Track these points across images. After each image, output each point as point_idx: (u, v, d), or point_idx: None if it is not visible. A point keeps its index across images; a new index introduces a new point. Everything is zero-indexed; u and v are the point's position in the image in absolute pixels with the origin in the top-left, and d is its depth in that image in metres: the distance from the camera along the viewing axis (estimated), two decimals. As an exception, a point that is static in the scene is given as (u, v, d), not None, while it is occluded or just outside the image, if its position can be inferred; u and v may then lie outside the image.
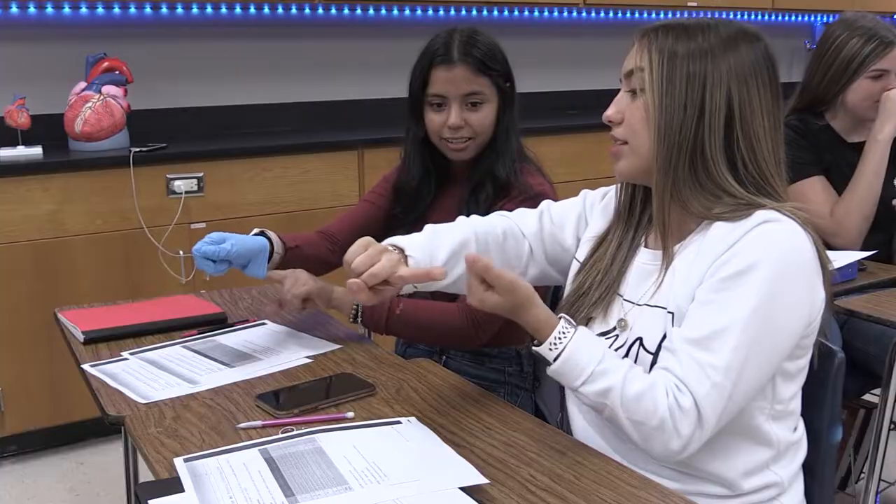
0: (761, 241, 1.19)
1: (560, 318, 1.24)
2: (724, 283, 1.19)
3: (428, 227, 1.42)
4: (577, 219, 1.50)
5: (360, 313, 1.70)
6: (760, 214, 1.21)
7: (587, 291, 1.38)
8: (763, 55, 1.27)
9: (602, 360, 1.21)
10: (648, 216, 1.36)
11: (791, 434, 1.30)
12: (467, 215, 1.51)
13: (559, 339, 1.22)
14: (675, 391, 1.17)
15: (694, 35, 1.25)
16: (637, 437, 1.19)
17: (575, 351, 1.21)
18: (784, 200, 1.26)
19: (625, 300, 1.34)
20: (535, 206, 1.59)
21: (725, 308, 1.18)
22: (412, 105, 1.85)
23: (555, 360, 1.21)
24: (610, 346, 1.31)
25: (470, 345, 1.77)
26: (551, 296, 1.90)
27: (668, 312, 1.25)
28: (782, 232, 1.20)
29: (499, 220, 1.50)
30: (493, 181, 1.81)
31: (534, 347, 1.24)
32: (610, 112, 1.30)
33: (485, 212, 1.71)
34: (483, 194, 1.80)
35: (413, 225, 1.50)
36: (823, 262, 1.24)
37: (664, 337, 1.25)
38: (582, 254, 1.45)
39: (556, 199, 1.78)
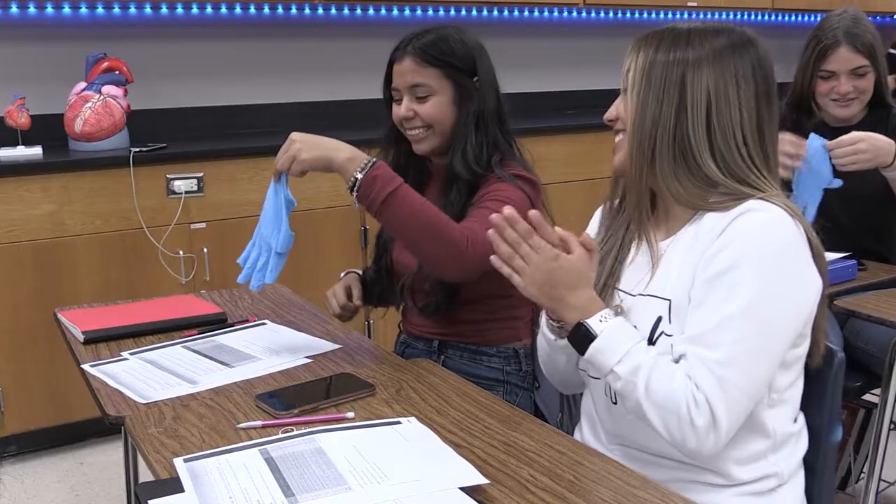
0: (745, 232, 1.22)
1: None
2: (713, 282, 1.22)
3: None
4: None
5: (357, 184, 1.56)
6: (747, 204, 1.25)
7: None
8: (753, 58, 1.30)
9: (640, 340, 1.25)
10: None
11: (790, 425, 1.31)
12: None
13: (605, 316, 1.26)
14: (692, 385, 1.19)
15: (679, 35, 1.31)
16: (661, 426, 1.21)
17: (618, 327, 1.25)
18: (774, 194, 1.28)
19: (621, 291, 1.38)
20: (513, 186, 1.69)
21: (718, 306, 1.21)
22: (385, 102, 1.93)
23: (601, 332, 1.24)
24: None
25: (456, 262, 1.60)
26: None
27: (664, 300, 1.28)
28: (766, 221, 1.23)
29: None
30: (457, 181, 1.79)
31: (582, 321, 1.25)
32: (608, 112, 1.38)
33: (460, 210, 1.71)
34: (454, 194, 1.79)
35: None
36: (816, 249, 1.26)
37: (657, 321, 1.28)
38: None
39: (537, 190, 1.77)
